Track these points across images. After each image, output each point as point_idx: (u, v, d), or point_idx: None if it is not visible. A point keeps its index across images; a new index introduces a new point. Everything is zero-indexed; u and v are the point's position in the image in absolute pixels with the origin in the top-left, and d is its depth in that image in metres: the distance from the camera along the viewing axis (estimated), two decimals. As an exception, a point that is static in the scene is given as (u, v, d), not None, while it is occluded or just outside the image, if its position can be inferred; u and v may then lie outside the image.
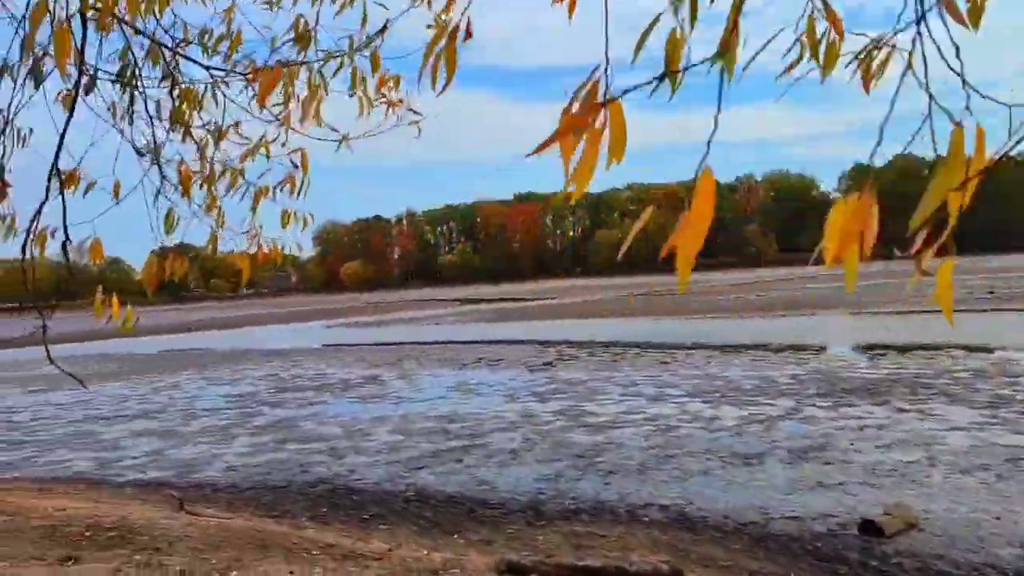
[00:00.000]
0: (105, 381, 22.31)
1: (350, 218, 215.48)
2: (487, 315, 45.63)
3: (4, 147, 3.49)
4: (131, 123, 3.79)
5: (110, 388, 20.58)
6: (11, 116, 3.42)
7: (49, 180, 3.30)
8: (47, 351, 3.56)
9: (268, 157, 3.93)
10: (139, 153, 3.85)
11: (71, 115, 3.39)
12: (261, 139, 3.95)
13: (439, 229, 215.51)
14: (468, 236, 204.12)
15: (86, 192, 3.66)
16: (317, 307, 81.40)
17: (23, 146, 3.57)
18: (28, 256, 3.32)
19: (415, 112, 4.05)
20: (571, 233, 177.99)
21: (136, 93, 3.73)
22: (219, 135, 3.94)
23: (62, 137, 3.30)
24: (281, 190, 3.92)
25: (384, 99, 3.95)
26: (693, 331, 26.85)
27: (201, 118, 3.94)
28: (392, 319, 49.44)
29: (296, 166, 3.89)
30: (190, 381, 21.12)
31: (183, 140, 3.91)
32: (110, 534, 6.14)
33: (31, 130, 3.61)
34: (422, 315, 53.34)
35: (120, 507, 7.35)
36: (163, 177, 3.82)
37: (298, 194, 3.91)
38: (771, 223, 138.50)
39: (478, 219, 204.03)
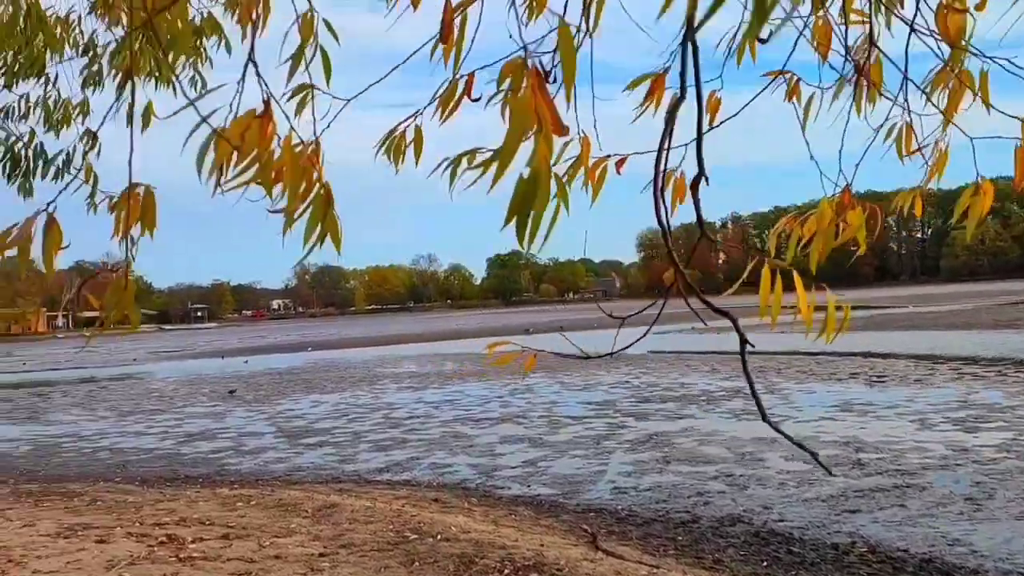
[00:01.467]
0: (465, 381, 23.05)
1: (673, 222, 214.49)
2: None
3: None
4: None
5: (471, 388, 21.07)
6: None
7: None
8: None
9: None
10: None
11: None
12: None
13: (766, 233, 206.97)
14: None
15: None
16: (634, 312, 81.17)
17: None
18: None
19: None
20: (919, 235, 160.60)
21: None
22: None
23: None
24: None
25: None
26: None
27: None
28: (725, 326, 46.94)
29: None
30: (545, 384, 20.96)
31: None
32: (532, 575, 5.19)
33: None
34: (762, 322, 50.15)
35: (527, 535, 6.51)
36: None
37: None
38: None
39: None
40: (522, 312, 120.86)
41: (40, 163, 3.78)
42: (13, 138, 3.62)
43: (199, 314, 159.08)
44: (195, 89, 3.86)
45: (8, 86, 3.75)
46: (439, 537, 6.35)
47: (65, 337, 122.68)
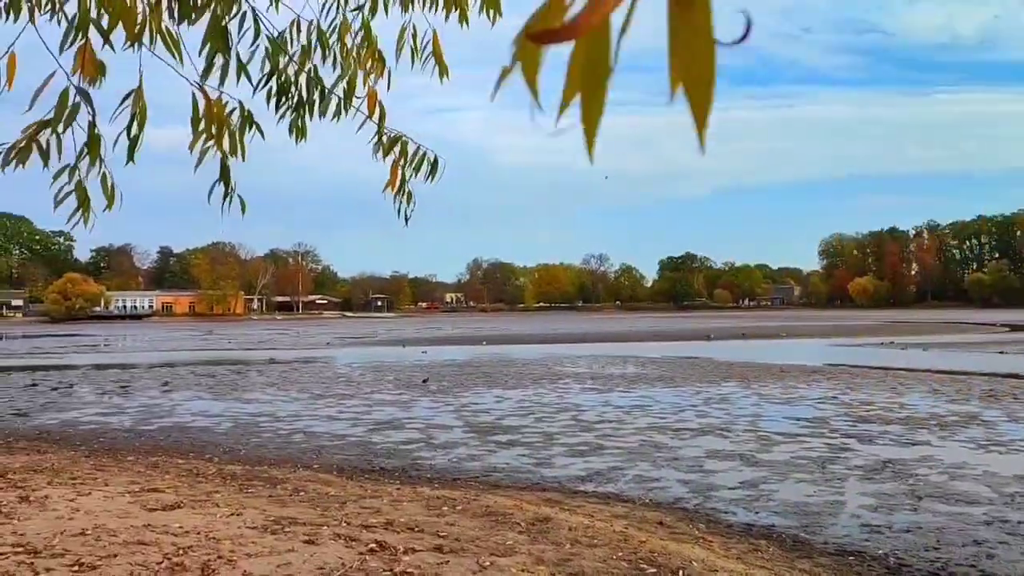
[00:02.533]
0: (652, 385, 21.89)
1: (856, 229, 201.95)
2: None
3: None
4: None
5: (660, 394, 19.89)
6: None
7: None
8: None
9: None
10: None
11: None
12: None
13: (967, 243, 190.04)
14: (1003, 252, 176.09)
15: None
16: (822, 323, 76.15)
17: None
18: None
19: None
20: None
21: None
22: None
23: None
24: None
25: None
26: None
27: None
28: (926, 342, 42.84)
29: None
30: (740, 394, 19.43)
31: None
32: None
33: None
34: (965, 340, 45.54)
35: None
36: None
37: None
38: None
39: (1018, 232, 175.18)
40: (695, 317, 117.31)
41: (316, 95, 3.08)
42: (284, 60, 2.92)
43: (379, 303, 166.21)
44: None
45: None
46: (682, 574, 5.35)
47: (259, 319, 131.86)
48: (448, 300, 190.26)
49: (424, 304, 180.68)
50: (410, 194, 3.06)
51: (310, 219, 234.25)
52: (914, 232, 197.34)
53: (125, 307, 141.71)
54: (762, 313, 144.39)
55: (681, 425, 14.82)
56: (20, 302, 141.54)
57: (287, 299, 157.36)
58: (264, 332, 73.41)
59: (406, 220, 3.08)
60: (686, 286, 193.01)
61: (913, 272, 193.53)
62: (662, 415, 16.21)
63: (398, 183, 2.97)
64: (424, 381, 23.17)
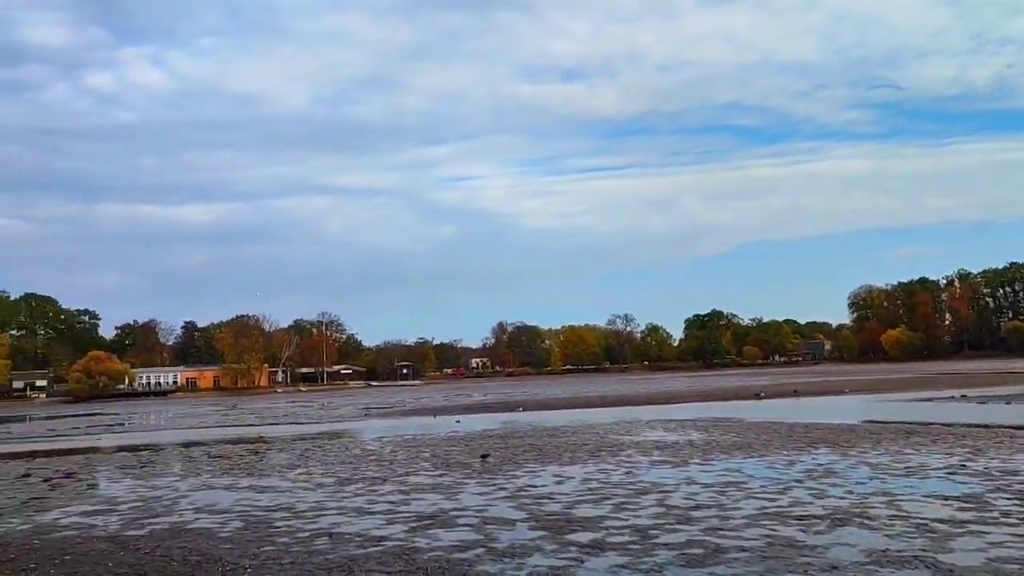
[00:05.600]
0: (729, 454, 18.75)
1: (884, 280, 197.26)
2: None
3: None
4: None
5: (747, 465, 16.77)
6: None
7: None
8: None
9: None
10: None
11: None
12: None
13: (1000, 291, 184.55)
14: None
15: None
16: (867, 377, 72.07)
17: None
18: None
19: None
20: None
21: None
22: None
23: None
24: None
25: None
26: None
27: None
28: (1000, 394, 39.13)
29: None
30: (843, 464, 16.25)
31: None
32: None
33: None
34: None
35: None
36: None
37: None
38: None
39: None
40: (728, 375, 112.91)
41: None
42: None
43: (404, 371, 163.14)
44: None
45: None
46: None
47: (283, 392, 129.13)
48: (474, 365, 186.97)
49: (449, 370, 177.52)
50: None
51: (334, 288, 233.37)
52: (945, 281, 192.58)
53: (149, 384, 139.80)
54: (796, 369, 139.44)
55: (801, 510, 11.74)
56: (44, 382, 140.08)
57: (312, 370, 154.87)
58: (288, 405, 70.59)
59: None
60: (714, 344, 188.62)
61: (947, 322, 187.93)
62: (767, 496, 13.13)
63: None
64: (483, 457, 20.17)
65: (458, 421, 36.37)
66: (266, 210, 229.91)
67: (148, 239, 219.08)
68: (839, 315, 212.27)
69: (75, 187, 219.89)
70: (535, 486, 15.24)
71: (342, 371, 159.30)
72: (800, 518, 11.14)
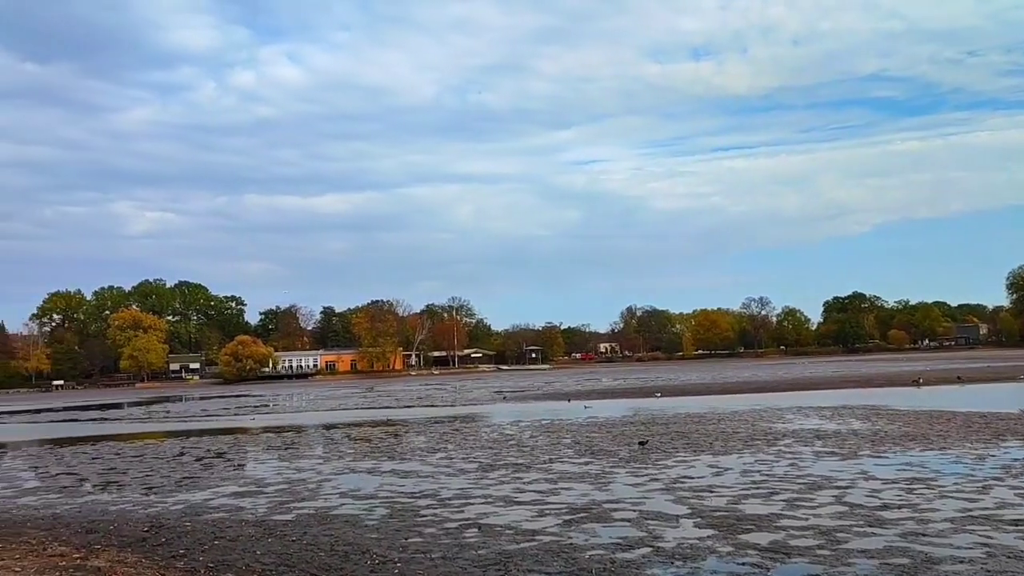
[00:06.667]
0: (904, 446, 16.96)
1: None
2: None
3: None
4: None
5: (927, 458, 15.03)
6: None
7: None
8: None
9: None
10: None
11: None
12: None
13: None
14: None
15: None
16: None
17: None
18: None
19: None
20: None
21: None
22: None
23: None
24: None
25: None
26: None
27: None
28: None
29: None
30: (1049, 461, 14.30)
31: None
32: None
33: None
34: None
35: None
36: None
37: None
38: None
39: None
40: (873, 360, 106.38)
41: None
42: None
43: (533, 355, 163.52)
44: None
45: None
46: None
47: (416, 374, 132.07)
48: (602, 350, 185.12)
49: (578, 355, 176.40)
50: None
51: (464, 273, 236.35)
52: None
53: (291, 367, 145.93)
54: (950, 354, 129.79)
55: (1014, 513, 10.15)
56: (197, 365, 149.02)
57: (443, 354, 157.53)
58: (422, 388, 71.72)
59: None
60: (855, 327, 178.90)
61: None
62: (964, 495, 11.52)
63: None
64: (641, 444, 19.23)
65: (587, 407, 35.35)
66: (399, 198, 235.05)
67: (289, 228, 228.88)
68: (996, 297, 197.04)
69: (221, 180, 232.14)
70: (691, 477, 14.12)
71: (472, 355, 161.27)
72: (1016, 523, 9.58)
